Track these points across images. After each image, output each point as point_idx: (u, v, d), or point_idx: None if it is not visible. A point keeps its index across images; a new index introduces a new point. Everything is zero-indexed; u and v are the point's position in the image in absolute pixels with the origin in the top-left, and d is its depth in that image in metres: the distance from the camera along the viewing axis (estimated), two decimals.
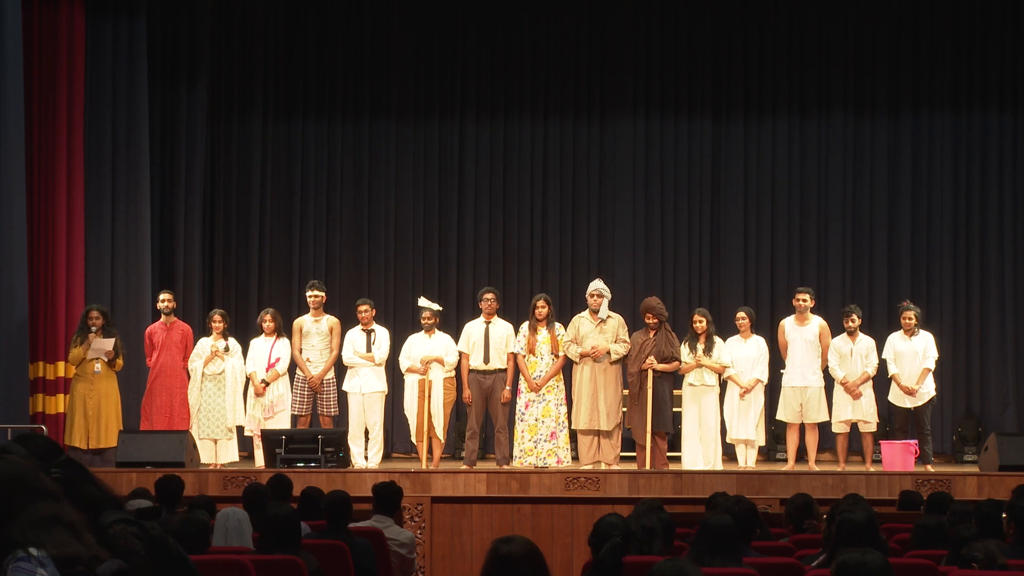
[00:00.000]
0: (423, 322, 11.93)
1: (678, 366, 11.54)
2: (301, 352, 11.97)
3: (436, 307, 11.98)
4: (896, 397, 11.85)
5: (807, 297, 11.88)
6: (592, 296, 11.66)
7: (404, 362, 11.92)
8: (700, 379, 11.58)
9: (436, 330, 11.93)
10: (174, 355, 11.97)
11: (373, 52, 14.66)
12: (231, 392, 11.88)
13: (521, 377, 11.64)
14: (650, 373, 11.35)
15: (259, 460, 11.57)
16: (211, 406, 11.85)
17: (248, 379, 11.95)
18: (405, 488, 8.08)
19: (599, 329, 11.55)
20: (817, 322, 11.93)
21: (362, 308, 12.07)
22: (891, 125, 14.36)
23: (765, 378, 11.87)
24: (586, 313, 11.68)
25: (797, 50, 14.48)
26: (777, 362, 12.05)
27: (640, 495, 10.08)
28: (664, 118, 14.57)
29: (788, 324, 11.98)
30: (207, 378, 11.87)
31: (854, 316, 11.84)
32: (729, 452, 12.19)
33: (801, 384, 11.78)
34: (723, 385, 11.83)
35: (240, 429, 12.07)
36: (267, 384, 11.84)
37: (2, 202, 12.03)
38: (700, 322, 11.67)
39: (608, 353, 11.48)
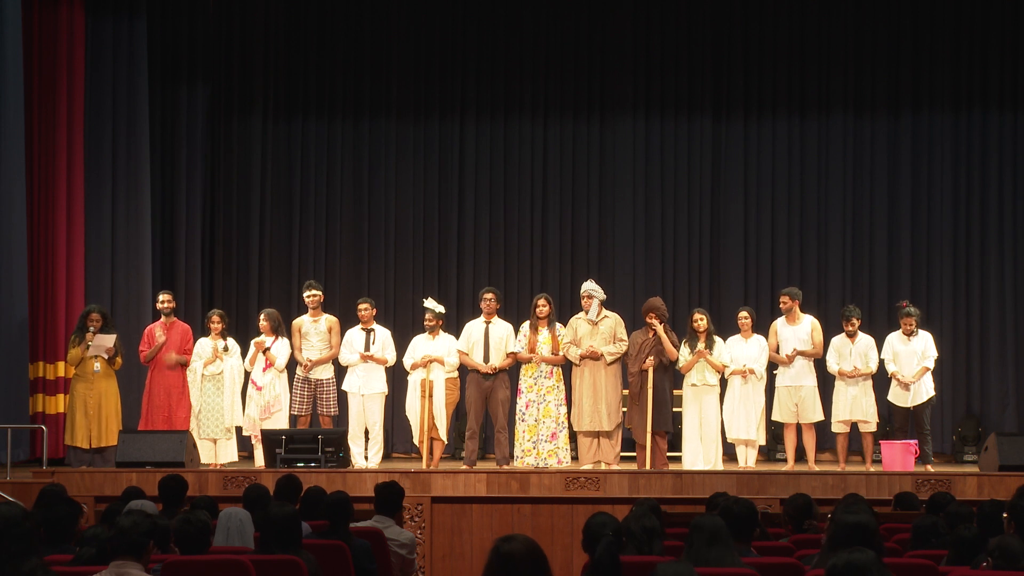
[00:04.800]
0: (425, 324, 11.93)
1: (676, 356, 11.50)
2: (301, 352, 11.97)
3: (439, 309, 11.95)
4: (895, 396, 11.85)
5: (787, 299, 11.91)
6: (583, 298, 11.67)
7: (408, 360, 11.91)
8: (702, 378, 11.57)
9: (440, 331, 11.91)
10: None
11: (373, 52, 14.66)
12: (229, 392, 11.88)
13: (521, 377, 11.63)
14: (650, 373, 11.35)
15: (259, 460, 11.57)
16: (209, 406, 11.85)
17: (249, 380, 11.92)
18: (405, 488, 8.06)
19: (594, 330, 11.55)
20: (809, 320, 11.93)
21: (362, 307, 12.07)
22: (891, 125, 14.36)
23: (762, 373, 11.84)
24: (583, 314, 11.69)
25: (797, 50, 14.48)
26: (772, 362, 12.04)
27: (640, 495, 10.08)
28: (664, 118, 14.56)
29: (780, 324, 11.99)
30: (205, 379, 11.87)
31: (854, 319, 11.83)
32: (729, 452, 12.19)
33: (795, 383, 11.78)
34: (723, 385, 11.83)
35: (239, 429, 12.07)
36: (269, 362, 11.79)
37: (2, 202, 12.03)
38: (700, 320, 11.67)
39: (603, 355, 11.47)
